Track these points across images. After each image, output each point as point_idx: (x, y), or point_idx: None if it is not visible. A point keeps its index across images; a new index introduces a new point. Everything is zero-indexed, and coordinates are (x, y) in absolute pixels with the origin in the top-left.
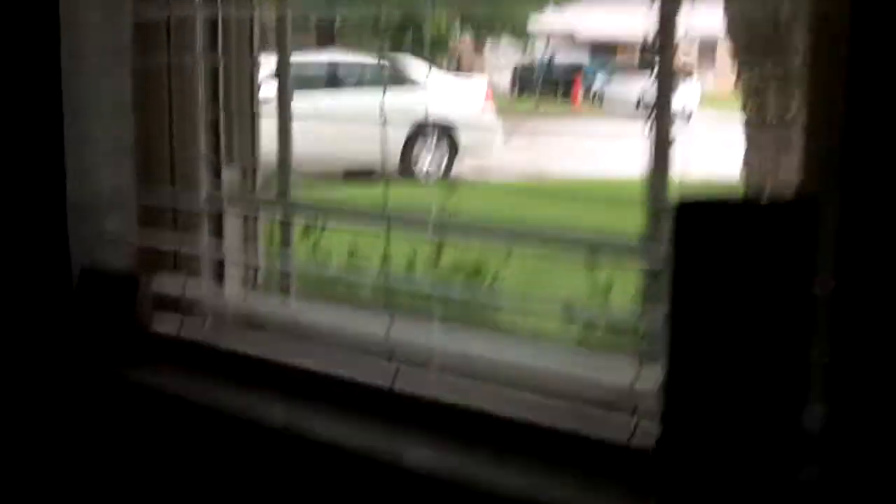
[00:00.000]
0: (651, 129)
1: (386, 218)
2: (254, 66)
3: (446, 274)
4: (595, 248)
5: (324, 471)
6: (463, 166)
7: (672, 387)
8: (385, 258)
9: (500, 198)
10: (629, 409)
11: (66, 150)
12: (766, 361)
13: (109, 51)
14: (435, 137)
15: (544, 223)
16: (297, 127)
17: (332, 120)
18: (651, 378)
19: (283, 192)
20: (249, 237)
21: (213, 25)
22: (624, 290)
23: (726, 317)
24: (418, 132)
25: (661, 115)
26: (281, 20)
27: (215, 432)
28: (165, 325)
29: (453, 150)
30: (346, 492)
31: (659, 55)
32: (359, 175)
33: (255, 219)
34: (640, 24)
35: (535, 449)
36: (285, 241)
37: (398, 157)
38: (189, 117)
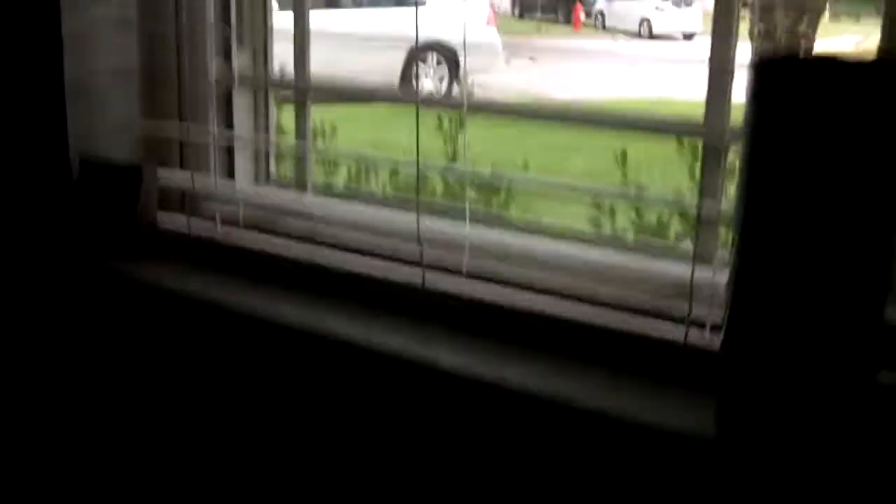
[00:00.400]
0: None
1: (415, 95)
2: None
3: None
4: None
5: (342, 371)
6: (465, 87)
7: (742, 276)
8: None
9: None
10: (683, 305)
11: (64, 22)
12: (846, 248)
13: None
14: (436, 58)
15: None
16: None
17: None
18: (708, 271)
19: (299, 72)
20: (261, 126)
21: None
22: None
23: (806, 196)
24: (419, 53)
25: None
26: None
27: (226, 332)
28: (172, 220)
29: (455, 70)
30: (370, 392)
31: None
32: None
33: (267, 105)
34: None
35: (578, 349)
36: (300, 129)
37: (398, 79)
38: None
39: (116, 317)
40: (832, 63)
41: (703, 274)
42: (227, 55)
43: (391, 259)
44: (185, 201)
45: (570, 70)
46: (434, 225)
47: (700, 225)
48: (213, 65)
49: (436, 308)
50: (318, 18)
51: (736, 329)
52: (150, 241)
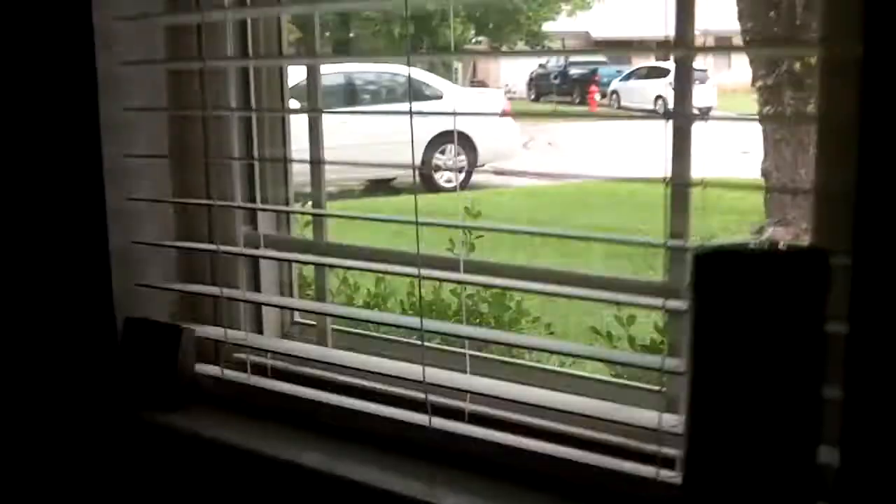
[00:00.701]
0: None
1: (417, 263)
2: (285, 117)
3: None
4: (618, 288)
5: None
6: (483, 173)
7: (694, 428)
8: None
9: (522, 202)
10: (655, 448)
11: (108, 203)
12: (782, 403)
13: (146, 102)
14: (455, 147)
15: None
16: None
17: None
18: (676, 417)
19: (318, 235)
20: (285, 283)
21: (245, 79)
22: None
23: (744, 360)
24: (438, 142)
25: (679, 114)
26: (311, 74)
27: (255, 475)
28: (207, 370)
29: (473, 157)
30: None
31: (675, 53)
32: (379, 184)
33: (290, 264)
34: (654, 23)
35: (564, 485)
36: (319, 286)
37: (419, 171)
38: (224, 167)
39: (155, 464)
40: (760, 255)
41: (671, 418)
42: (253, 221)
43: (400, 403)
44: (219, 353)
45: (587, 151)
46: (438, 374)
47: (666, 377)
48: (241, 232)
49: (440, 449)
50: (339, 116)
51: (692, 469)
52: (187, 391)
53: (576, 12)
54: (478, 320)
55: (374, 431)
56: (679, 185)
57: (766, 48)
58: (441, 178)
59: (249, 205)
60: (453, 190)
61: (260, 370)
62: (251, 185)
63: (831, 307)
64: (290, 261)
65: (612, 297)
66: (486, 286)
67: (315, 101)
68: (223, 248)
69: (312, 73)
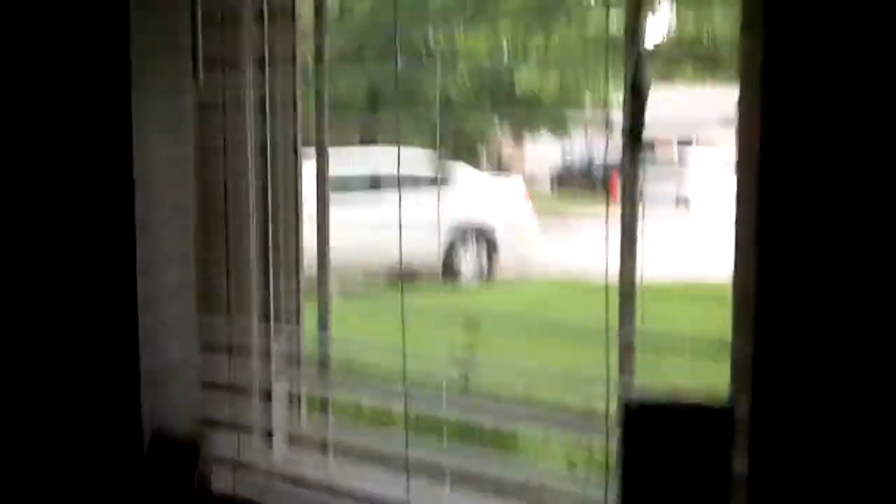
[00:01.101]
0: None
1: (403, 394)
2: (298, 251)
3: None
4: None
5: None
6: (503, 266)
7: None
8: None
9: (541, 295)
10: None
11: (141, 325)
12: None
13: (177, 240)
14: (475, 239)
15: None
16: (339, 232)
17: (375, 225)
18: None
19: (322, 367)
20: (294, 403)
21: (263, 208)
22: None
23: (663, 495)
24: (459, 234)
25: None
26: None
27: None
28: (222, 482)
29: (493, 250)
30: None
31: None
32: (403, 276)
33: (300, 381)
34: (678, 115)
35: None
36: (323, 409)
37: (441, 261)
38: (245, 298)
39: None
40: (677, 410)
41: None
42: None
43: None
44: (234, 463)
45: (608, 245)
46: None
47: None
48: (256, 359)
49: None
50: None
51: None
52: (205, 502)
53: (600, 100)
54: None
55: None
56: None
57: None
58: (465, 268)
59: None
60: (474, 282)
61: (269, 479)
62: (266, 289)
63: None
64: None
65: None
66: (458, 416)
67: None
68: (236, 383)
69: (321, 160)
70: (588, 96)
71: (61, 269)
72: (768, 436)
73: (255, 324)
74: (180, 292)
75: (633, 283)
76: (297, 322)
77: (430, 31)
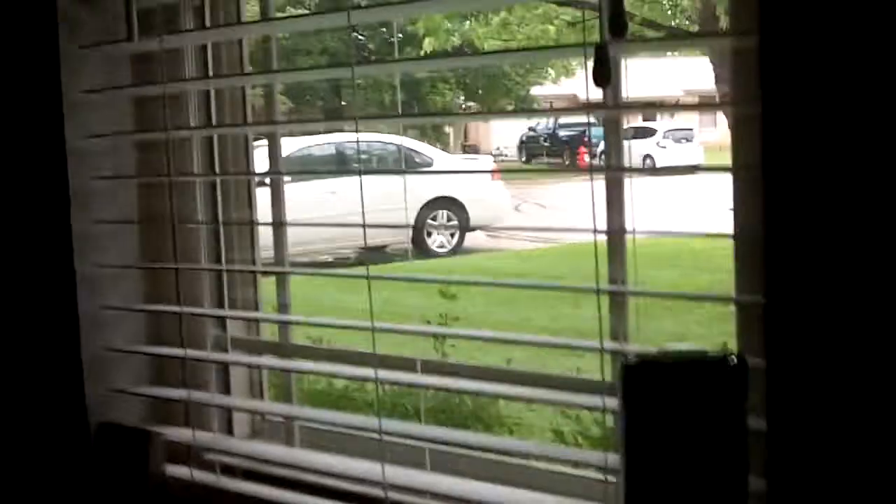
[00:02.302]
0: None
1: (375, 366)
2: (253, 228)
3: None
4: (560, 387)
5: None
6: (474, 237)
7: None
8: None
9: (513, 264)
10: None
11: (80, 309)
12: (710, 497)
13: (116, 213)
14: (446, 213)
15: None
16: (309, 210)
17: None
18: None
19: (283, 336)
20: (255, 382)
21: (213, 195)
22: None
23: (672, 459)
24: (429, 208)
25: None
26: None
27: None
28: (177, 472)
29: (465, 221)
30: None
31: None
32: (373, 250)
33: (259, 368)
34: (643, 84)
35: None
36: (286, 389)
37: (410, 234)
38: (194, 274)
39: None
40: (684, 364)
41: None
42: (223, 324)
43: (364, 502)
44: (189, 454)
45: (578, 212)
46: (397, 472)
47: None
48: (210, 336)
49: None
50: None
51: None
52: (158, 494)
53: (560, 79)
54: (458, 411)
55: None
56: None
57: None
58: (433, 243)
59: (216, 313)
60: (445, 255)
61: (229, 470)
62: (220, 289)
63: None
64: (251, 366)
65: (551, 398)
66: (433, 388)
67: (276, 167)
68: (191, 353)
69: (273, 145)
70: (552, 70)
71: None
72: (786, 389)
73: (208, 304)
74: (124, 274)
75: (622, 239)
76: (256, 307)
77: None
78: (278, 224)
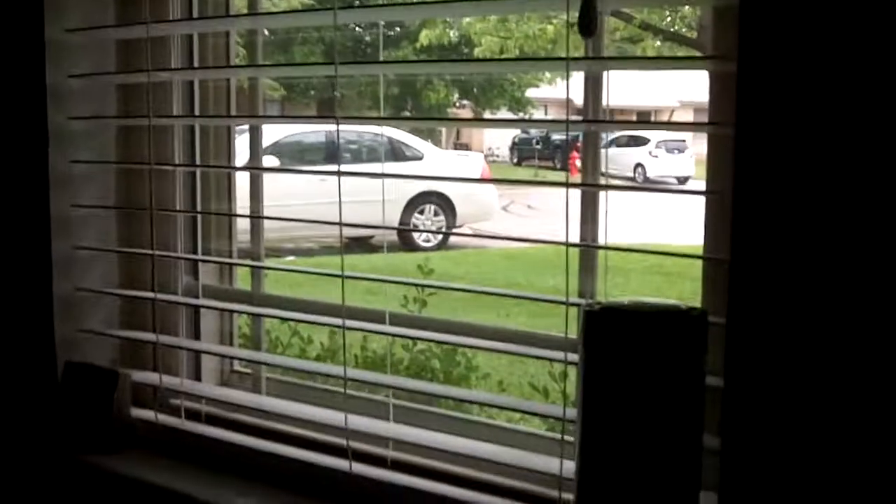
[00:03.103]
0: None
1: (342, 317)
2: (231, 177)
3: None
4: (527, 342)
5: None
6: (461, 235)
7: (583, 474)
8: (341, 353)
9: (500, 263)
10: (556, 494)
11: (53, 249)
12: (664, 451)
13: (95, 155)
14: (433, 207)
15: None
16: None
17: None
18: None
19: (255, 287)
20: (225, 333)
21: (191, 135)
22: None
23: (629, 410)
24: (417, 202)
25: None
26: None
27: None
28: (142, 415)
29: (452, 218)
30: None
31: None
32: (358, 241)
33: (231, 315)
34: (637, 92)
35: None
36: (255, 336)
37: (397, 226)
38: (170, 220)
39: None
40: (646, 313)
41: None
42: (195, 272)
43: (326, 450)
44: (156, 398)
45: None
46: (359, 421)
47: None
48: (182, 282)
49: (362, 494)
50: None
51: None
52: (123, 435)
53: (556, 80)
54: (429, 376)
55: (300, 476)
56: (583, 247)
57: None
58: (420, 237)
59: (188, 255)
60: (431, 249)
61: (194, 416)
62: (194, 237)
63: (711, 363)
64: (220, 309)
65: (517, 350)
66: (400, 336)
67: (257, 158)
68: (161, 296)
69: (254, 132)
70: (548, 72)
71: None
72: (746, 346)
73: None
74: (98, 214)
75: (593, 252)
76: (230, 283)
77: None
78: (255, 217)
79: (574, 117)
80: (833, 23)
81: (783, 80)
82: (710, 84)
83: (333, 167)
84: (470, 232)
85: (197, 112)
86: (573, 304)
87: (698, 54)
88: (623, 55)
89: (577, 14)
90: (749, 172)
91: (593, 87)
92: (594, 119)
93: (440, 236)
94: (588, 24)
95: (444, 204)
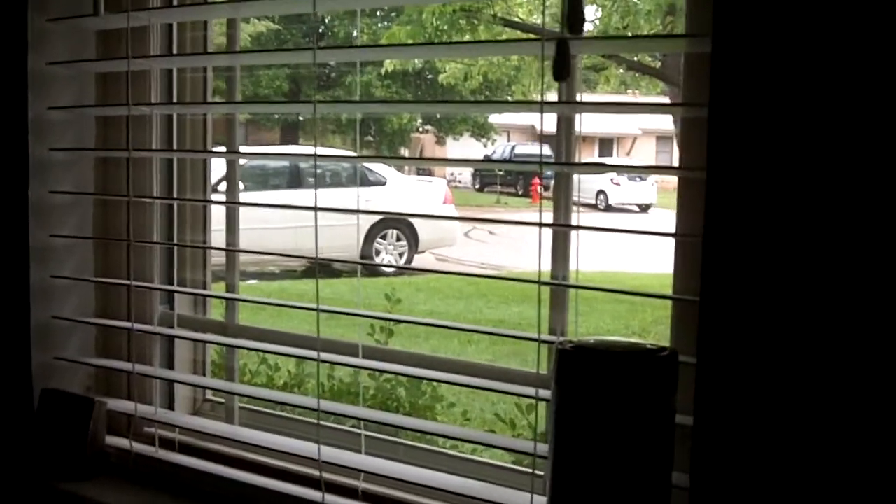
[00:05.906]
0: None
1: (317, 349)
2: (206, 207)
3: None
4: (497, 377)
5: None
6: (423, 260)
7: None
8: (317, 385)
9: (462, 288)
10: None
11: (31, 279)
12: (634, 487)
13: (73, 186)
14: (396, 232)
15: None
16: (263, 219)
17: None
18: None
19: (229, 318)
20: (198, 362)
21: (168, 166)
22: None
23: (599, 447)
24: (380, 227)
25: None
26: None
27: None
28: (117, 443)
29: (414, 243)
30: None
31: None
32: (320, 266)
33: (205, 345)
34: (600, 119)
35: None
36: (228, 366)
37: (359, 252)
38: (146, 250)
39: None
40: (618, 353)
41: (542, 500)
42: (170, 301)
43: (298, 481)
44: (130, 426)
45: (528, 243)
46: (332, 452)
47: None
48: (158, 312)
49: None
50: (283, 198)
51: None
52: (97, 462)
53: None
54: (395, 405)
55: None
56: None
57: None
58: (382, 261)
59: (164, 287)
60: (393, 275)
61: (168, 445)
62: (170, 267)
63: (681, 402)
64: (197, 340)
65: (488, 385)
66: (374, 370)
67: (234, 190)
68: (138, 326)
69: (232, 164)
70: (510, 97)
71: None
72: (715, 385)
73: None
74: (76, 244)
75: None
76: (204, 312)
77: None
78: (232, 250)
79: (546, 151)
80: (802, 69)
81: (754, 126)
82: (681, 128)
83: (300, 192)
84: (435, 267)
85: (175, 143)
86: (545, 342)
87: (661, 84)
88: (591, 91)
89: (550, 60)
90: (720, 215)
91: (566, 128)
92: (567, 162)
93: (402, 262)
94: (561, 71)
95: (407, 230)
